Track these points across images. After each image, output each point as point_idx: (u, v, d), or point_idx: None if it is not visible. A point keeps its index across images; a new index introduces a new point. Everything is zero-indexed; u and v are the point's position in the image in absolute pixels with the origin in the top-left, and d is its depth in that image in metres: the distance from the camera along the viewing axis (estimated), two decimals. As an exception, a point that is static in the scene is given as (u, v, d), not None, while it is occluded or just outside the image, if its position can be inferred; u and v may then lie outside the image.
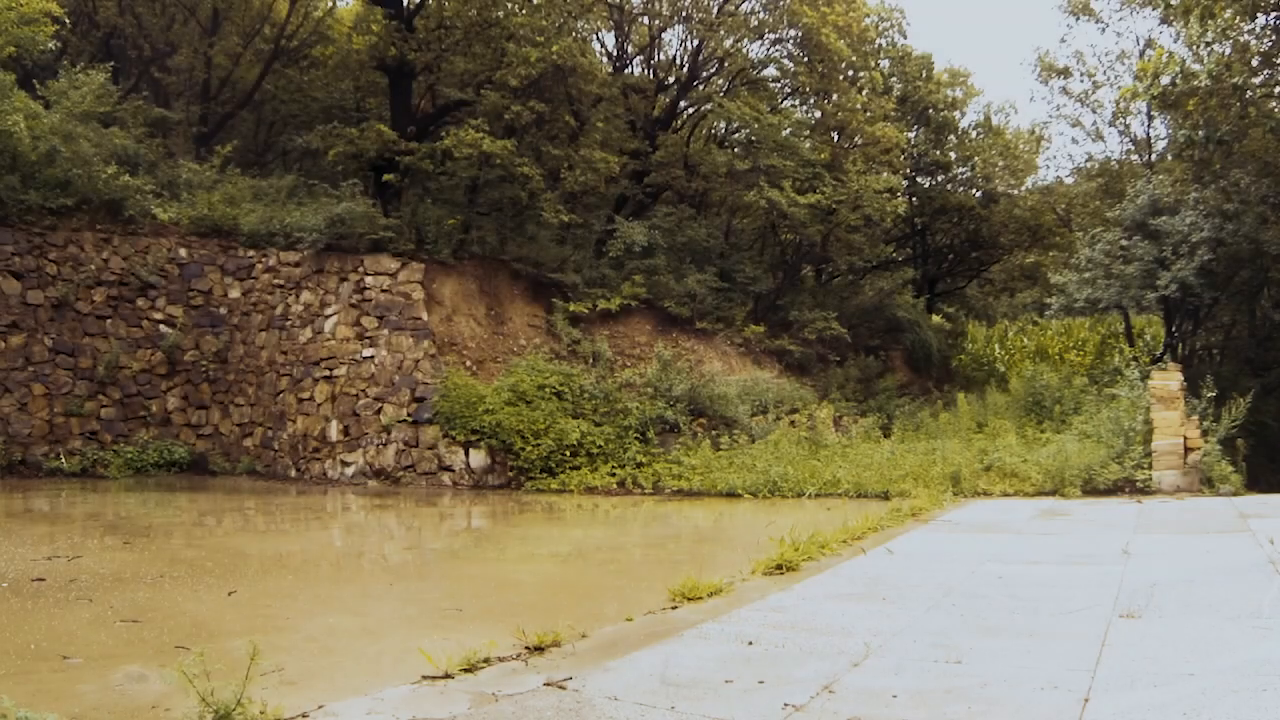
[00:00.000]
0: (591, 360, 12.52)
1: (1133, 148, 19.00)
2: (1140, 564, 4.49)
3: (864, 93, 17.18)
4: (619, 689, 2.59)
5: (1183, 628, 3.14)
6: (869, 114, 16.57)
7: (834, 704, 2.43)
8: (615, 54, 17.31)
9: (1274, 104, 11.89)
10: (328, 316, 12.38)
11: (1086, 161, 20.06)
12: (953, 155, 19.92)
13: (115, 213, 12.75)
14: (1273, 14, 11.56)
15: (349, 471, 11.54)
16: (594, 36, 17.21)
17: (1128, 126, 19.14)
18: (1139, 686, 2.49)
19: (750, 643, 3.09)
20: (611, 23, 16.65)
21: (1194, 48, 12.33)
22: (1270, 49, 11.80)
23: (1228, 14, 11.14)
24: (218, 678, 2.37)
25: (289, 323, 12.64)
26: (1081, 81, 19.22)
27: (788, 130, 15.81)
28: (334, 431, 11.84)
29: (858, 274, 19.54)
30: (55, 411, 11.90)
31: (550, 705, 2.45)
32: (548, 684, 2.67)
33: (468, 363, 12.20)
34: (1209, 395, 9.74)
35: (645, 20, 16.77)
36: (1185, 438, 8.76)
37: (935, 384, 16.77)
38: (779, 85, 17.94)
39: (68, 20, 13.63)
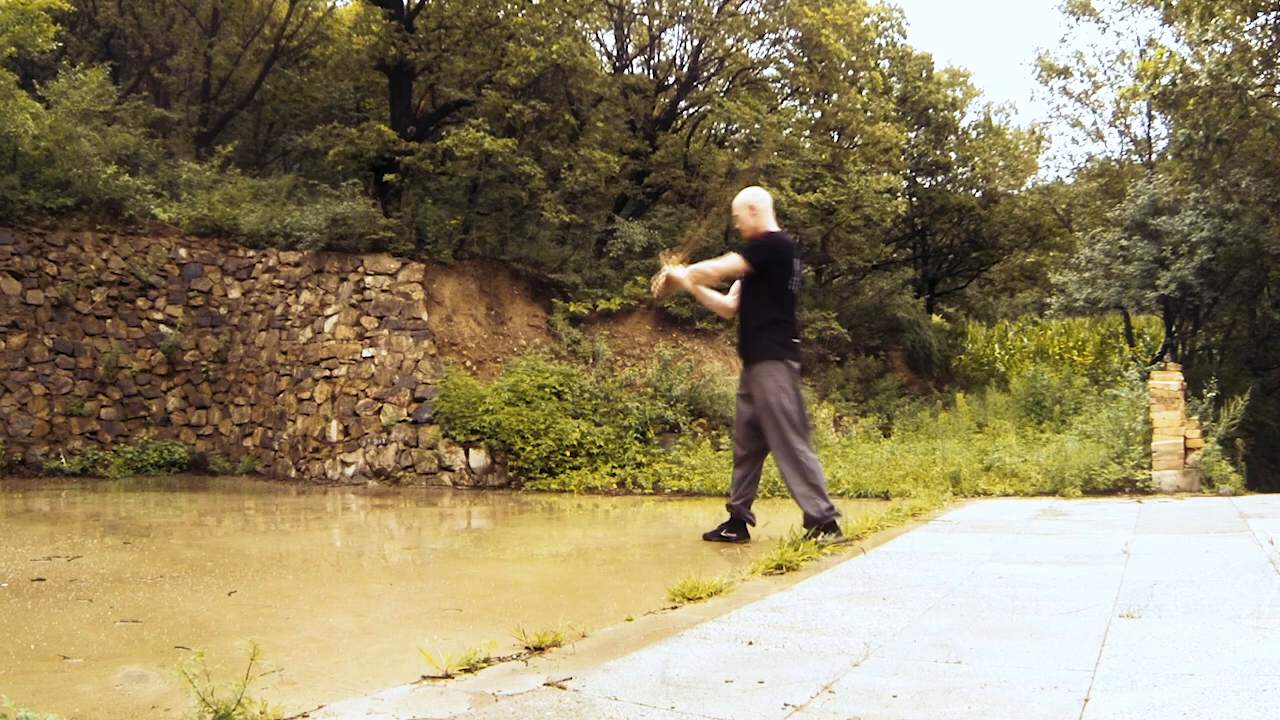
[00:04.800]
0: (591, 360, 12.52)
1: (1133, 148, 19.03)
2: (1140, 564, 4.48)
3: (864, 93, 17.20)
4: (619, 689, 2.58)
5: (1183, 628, 3.14)
6: (869, 114, 16.58)
7: (834, 704, 2.43)
8: (615, 54, 17.32)
9: (1274, 103, 11.90)
10: (328, 316, 12.38)
11: (1087, 161, 20.11)
12: (953, 155, 19.94)
13: (115, 213, 12.76)
14: (1273, 13, 11.56)
15: (349, 472, 11.54)
16: (594, 36, 17.23)
17: (1128, 126, 19.17)
18: (1139, 686, 2.49)
19: (750, 643, 3.09)
20: (611, 23, 16.65)
21: (1194, 47, 12.33)
22: (1270, 48, 11.80)
23: (1228, 13, 11.14)
24: (218, 678, 2.37)
25: (289, 323, 12.64)
26: (1081, 81, 19.27)
27: (788, 130, 15.82)
28: (334, 431, 11.84)
29: (858, 274, 19.56)
30: (55, 411, 11.91)
31: (550, 705, 2.45)
32: (548, 684, 2.67)
33: (468, 363, 12.20)
34: (1209, 395, 9.75)
35: (645, 20, 16.78)
36: (1185, 438, 8.76)
37: (935, 384, 16.78)
38: (779, 85, 17.96)
39: (69, 8, 13.54)
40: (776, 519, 7.32)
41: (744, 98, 15.91)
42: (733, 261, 5.76)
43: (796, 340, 5.82)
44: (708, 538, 5.93)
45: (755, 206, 5.85)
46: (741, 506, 5.82)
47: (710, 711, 2.36)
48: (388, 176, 13.35)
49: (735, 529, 5.84)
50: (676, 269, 5.92)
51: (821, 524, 5.38)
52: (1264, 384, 13.95)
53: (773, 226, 5.89)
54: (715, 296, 6.08)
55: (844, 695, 2.49)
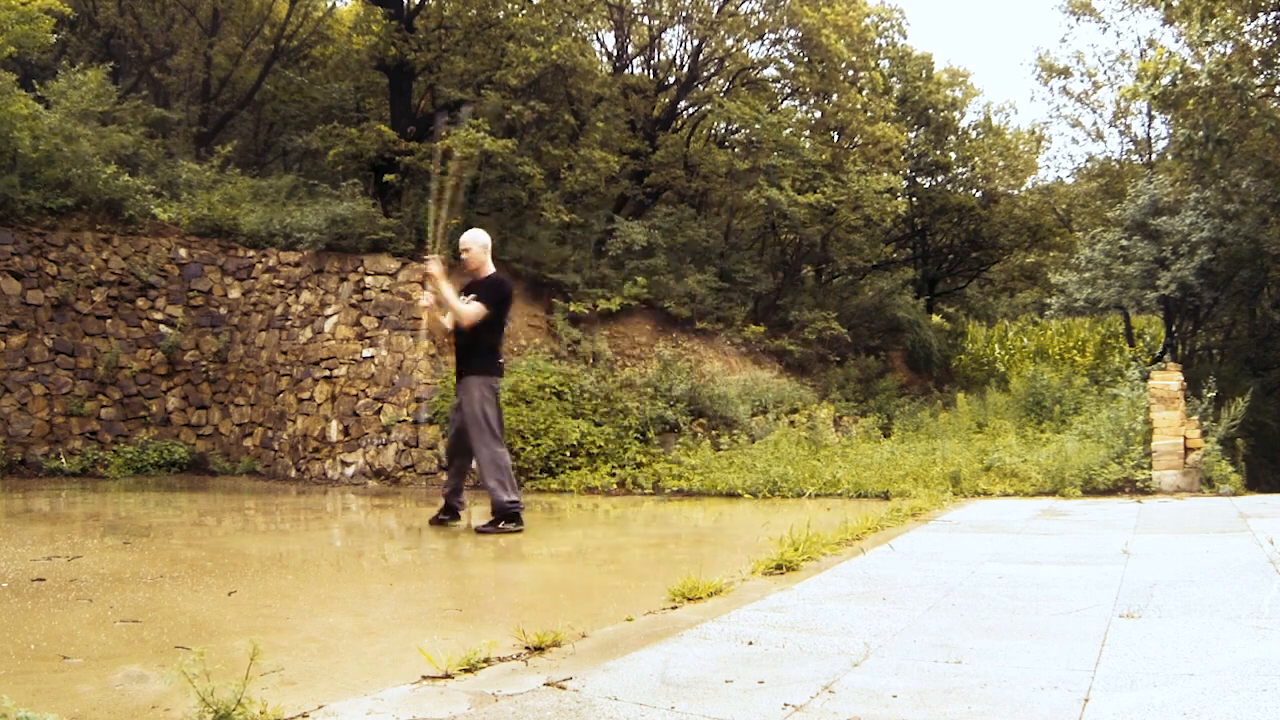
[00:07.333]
0: (591, 360, 12.52)
1: (1133, 148, 19.03)
2: (1140, 564, 4.49)
3: (864, 93, 17.18)
4: (619, 689, 2.59)
5: (1183, 628, 3.14)
6: (869, 114, 16.57)
7: (834, 704, 2.43)
8: (615, 54, 17.31)
9: (1274, 103, 11.89)
10: (328, 316, 12.38)
11: (1087, 161, 20.10)
12: (953, 155, 19.91)
13: (115, 213, 12.75)
14: (1273, 13, 11.57)
15: (349, 472, 11.54)
16: (594, 36, 17.22)
17: (1128, 126, 19.17)
18: (1139, 686, 2.49)
19: (750, 643, 3.09)
20: (611, 23, 16.65)
21: (1195, 47, 12.33)
22: (1270, 48, 11.80)
23: (1229, 13, 11.14)
24: (218, 678, 2.37)
25: (289, 323, 12.64)
26: (1082, 81, 19.26)
27: (788, 130, 15.82)
28: (334, 431, 11.84)
29: (858, 274, 19.54)
30: (55, 411, 11.90)
31: (550, 705, 2.45)
32: (548, 684, 2.67)
33: (468, 363, 12.19)
34: (1209, 395, 9.75)
35: (645, 20, 16.77)
36: (1185, 438, 8.76)
37: (935, 384, 16.76)
38: (779, 85, 17.95)
39: (70, 13, 13.52)
40: (776, 519, 7.33)
41: (744, 98, 15.90)
42: (477, 310, 6.52)
43: (502, 360, 6.87)
44: (432, 523, 6.97)
45: (488, 246, 6.86)
46: (450, 495, 6.99)
47: (710, 711, 2.36)
48: (388, 176, 13.35)
49: (448, 512, 6.99)
50: (434, 266, 6.59)
51: (504, 513, 6.46)
52: (1264, 384, 13.94)
53: (492, 266, 6.82)
54: (445, 321, 6.80)
55: (844, 695, 2.49)
